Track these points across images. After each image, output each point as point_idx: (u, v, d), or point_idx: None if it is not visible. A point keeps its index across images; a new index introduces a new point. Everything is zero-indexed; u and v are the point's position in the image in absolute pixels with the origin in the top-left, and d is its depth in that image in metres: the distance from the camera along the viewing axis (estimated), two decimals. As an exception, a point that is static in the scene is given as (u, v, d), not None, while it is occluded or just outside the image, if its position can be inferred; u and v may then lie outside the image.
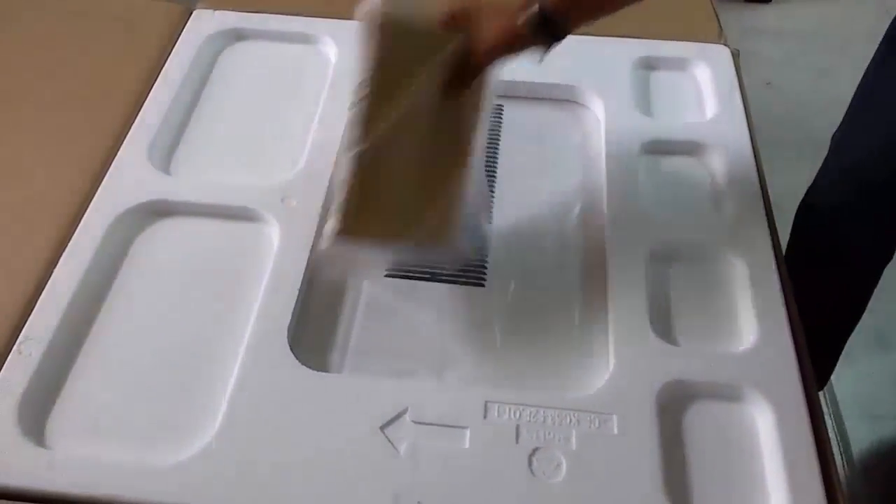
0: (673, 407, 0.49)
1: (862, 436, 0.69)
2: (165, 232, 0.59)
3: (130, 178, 0.61)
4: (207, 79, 0.72)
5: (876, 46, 0.72)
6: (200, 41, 0.74)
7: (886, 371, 0.66)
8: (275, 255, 0.57)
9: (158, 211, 0.60)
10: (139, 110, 0.67)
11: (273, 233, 0.58)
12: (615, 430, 0.47)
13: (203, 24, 0.76)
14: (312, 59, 0.75)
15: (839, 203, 0.76)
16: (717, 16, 0.78)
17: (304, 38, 0.76)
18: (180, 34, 0.75)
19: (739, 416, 0.48)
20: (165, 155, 0.65)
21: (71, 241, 0.56)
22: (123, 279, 0.56)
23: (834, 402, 1.06)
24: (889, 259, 0.71)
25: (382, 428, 0.46)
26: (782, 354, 0.50)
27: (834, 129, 0.78)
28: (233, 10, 0.78)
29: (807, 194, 0.80)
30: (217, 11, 0.77)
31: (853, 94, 0.75)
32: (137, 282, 0.56)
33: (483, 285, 0.57)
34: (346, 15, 0.78)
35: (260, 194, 0.60)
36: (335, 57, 0.74)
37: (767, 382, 0.49)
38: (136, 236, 0.59)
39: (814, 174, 0.77)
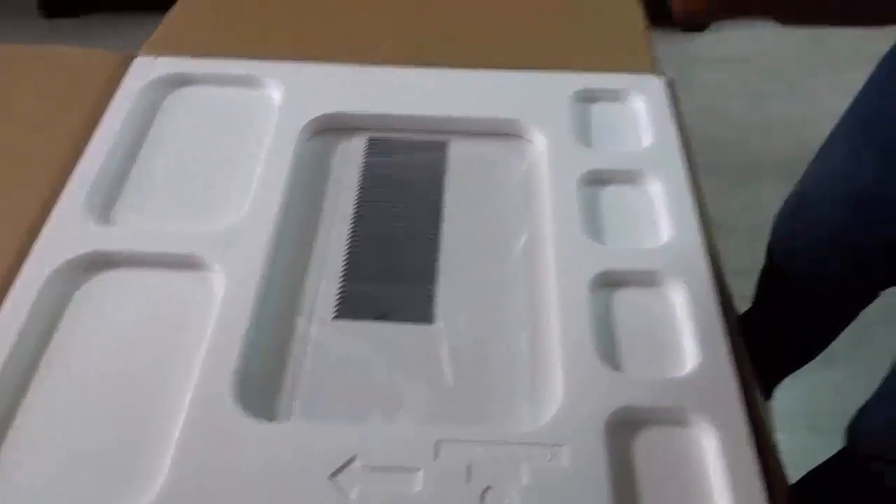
0: (621, 434, 0.49)
1: (803, 448, 0.71)
2: (106, 284, 0.58)
3: (68, 230, 0.60)
4: (149, 125, 0.72)
5: (807, 71, 0.74)
6: (142, 88, 0.74)
7: (827, 386, 0.69)
8: (220, 302, 0.56)
9: (98, 263, 0.59)
10: (78, 161, 0.66)
11: (218, 280, 0.58)
12: (566, 462, 0.47)
13: (144, 70, 0.76)
14: (257, 101, 0.75)
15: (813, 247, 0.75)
16: (650, 48, 0.81)
17: (249, 81, 0.77)
18: (121, 82, 0.75)
19: (685, 440, 0.49)
20: (105, 205, 0.64)
21: (5, 300, 0.55)
22: (62, 337, 0.54)
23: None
24: (866, 299, 0.71)
25: (332, 476, 0.46)
26: (723, 377, 0.51)
27: (769, 152, 0.80)
28: (175, 56, 0.78)
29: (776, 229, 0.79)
30: (158, 58, 0.77)
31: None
32: (77, 338, 0.55)
33: (432, 322, 0.58)
34: (291, 56, 0.79)
35: (204, 241, 0.60)
36: (280, 99, 0.74)
37: (710, 405, 0.50)
38: (75, 291, 0.57)
39: (754, 194, 0.79)
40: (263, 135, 0.70)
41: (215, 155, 0.69)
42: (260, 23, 0.86)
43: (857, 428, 0.66)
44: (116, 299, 0.57)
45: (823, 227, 0.72)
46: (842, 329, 0.83)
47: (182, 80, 0.77)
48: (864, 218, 0.66)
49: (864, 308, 0.76)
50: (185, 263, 0.59)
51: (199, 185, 0.67)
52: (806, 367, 0.91)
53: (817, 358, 0.87)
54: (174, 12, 0.87)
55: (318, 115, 0.72)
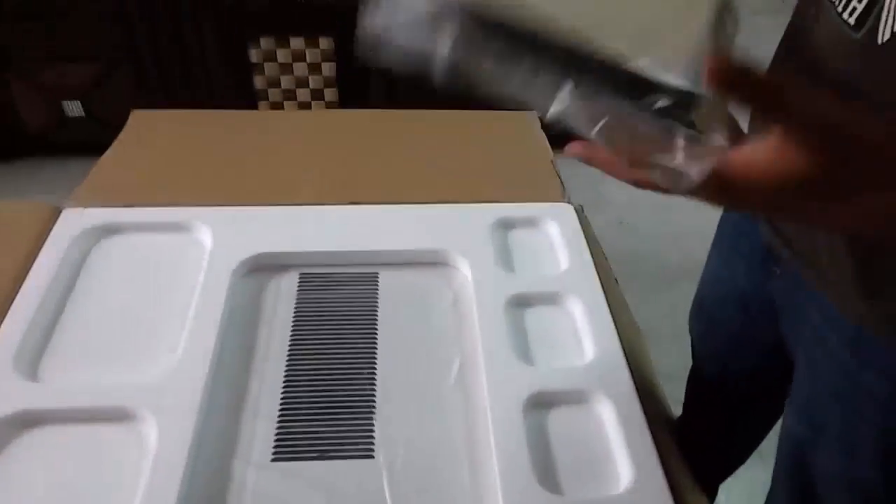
0: (565, 558, 0.50)
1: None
2: (33, 444, 0.56)
3: (-7, 390, 0.59)
4: (78, 276, 0.72)
5: None
6: (70, 239, 0.74)
7: (766, 481, 0.72)
8: (153, 455, 0.55)
9: (25, 422, 0.57)
10: (5, 315, 0.65)
11: (151, 431, 0.57)
12: (513, 593, 0.47)
13: (72, 222, 0.77)
14: (187, 246, 0.76)
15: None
16: (559, 176, 0.88)
17: (178, 227, 0.78)
18: (48, 234, 0.75)
19: (627, 559, 0.50)
20: (32, 361, 0.63)
21: (-76, 469, 0.52)
22: (-15, 504, 0.52)
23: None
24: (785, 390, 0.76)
25: None
26: (657, 493, 0.53)
27: (682, 259, 0.86)
28: (103, 206, 0.79)
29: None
30: (86, 209, 0.79)
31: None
32: (4, 501, 0.52)
33: (372, 457, 0.58)
34: (220, 201, 0.82)
35: (135, 391, 0.59)
36: (210, 242, 0.76)
37: (647, 521, 0.51)
38: (2, 451, 0.55)
39: (674, 298, 0.84)
40: (195, 278, 0.71)
41: (146, 302, 0.70)
42: (186, 170, 0.89)
43: None
44: (46, 458, 0.55)
45: (721, 328, 0.78)
46: (771, 423, 0.87)
47: (111, 230, 0.78)
48: (751, 315, 0.72)
49: (786, 398, 0.80)
50: (116, 416, 0.58)
51: (129, 334, 0.66)
52: (746, 464, 0.94)
53: (757, 454, 0.90)
54: (100, 162, 0.89)
55: (248, 255, 0.74)
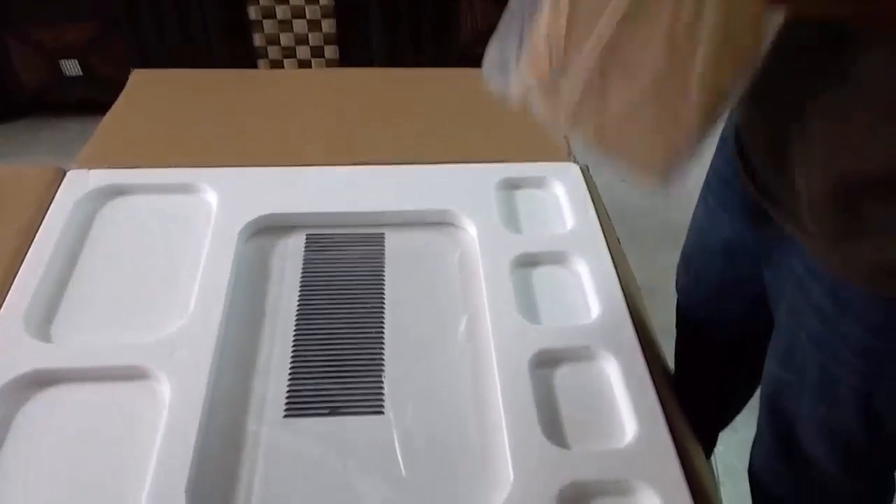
0: (572, 509, 0.52)
1: (744, 495, 0.75)
2: (49, 402, 0.57)
3: (8, 349, 0.60)
4: (85, 237, 0.72)
5: (707, 141, 0.81)
6: (76, 201, 0.75)
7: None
8: (167, 412, 0.56)
9: (40, 381, 0.58)
10: (14, 278, 0.66)
11: (164, 389, 0.58)
12: (521, 542, 0.49)
13: (78, 183, 0.77)
14: (193, 207, 0.77)
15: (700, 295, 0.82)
16: (565, 136, 0.87)
17: (183, 189, 0.78)
18: (54, 196, 0.75)
19: (632, 510, 0.52)
20: (44, 321, 0.63)
21: (-56, 427, 0.54)
22: (6, 458, 0.53)
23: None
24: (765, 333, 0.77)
25: (293, 580, 0.46)
26: (661, 444, 0.55)
27: (684, 216, 0.87)
28: (108, 168, 0.79)
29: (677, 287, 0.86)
30: (91, 171, 0.78)
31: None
32: (22, 458, 0.53)
33: (382, 412, 0.59)
34: (224, 162, 0.82)
35: (147, 351, 0.60)
36: (216, 204, 0.76)
37: (652, 474, 0.53)
38: (17, 411, 0.56)
39: (674, 256, 0.85)
40: (202, 240, 0.72)
41: (154, 263, 0.70)
42: (189, 131, 0.88)
43: (751, 470, 0.71)
44: (61, 416, 0.56)
45: (708, 279, 0.79)
46: (761, 373, 0.89)
47: (116, 191, 0.78)
48: (736, 265, 0.73)
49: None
50: (129, 375, 0.59)
51: (139, 295, 0.67)
52: (743, 417, 0.95)
53: (754, 409, 0.92)
54: (104, 124, 0.89)
55: (255, 216, 0.74)
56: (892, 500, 0.66)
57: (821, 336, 0.56)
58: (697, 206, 0.77)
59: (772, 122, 0.55)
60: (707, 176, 0.75)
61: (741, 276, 0.72)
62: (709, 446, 1.00)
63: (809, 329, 0.57)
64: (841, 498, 0.64)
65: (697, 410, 0.62)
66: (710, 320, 0.82)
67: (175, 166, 0.80)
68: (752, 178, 0.60)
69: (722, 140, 0.71)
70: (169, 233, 0.73)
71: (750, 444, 0.75)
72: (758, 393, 0.89)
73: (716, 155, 0.71)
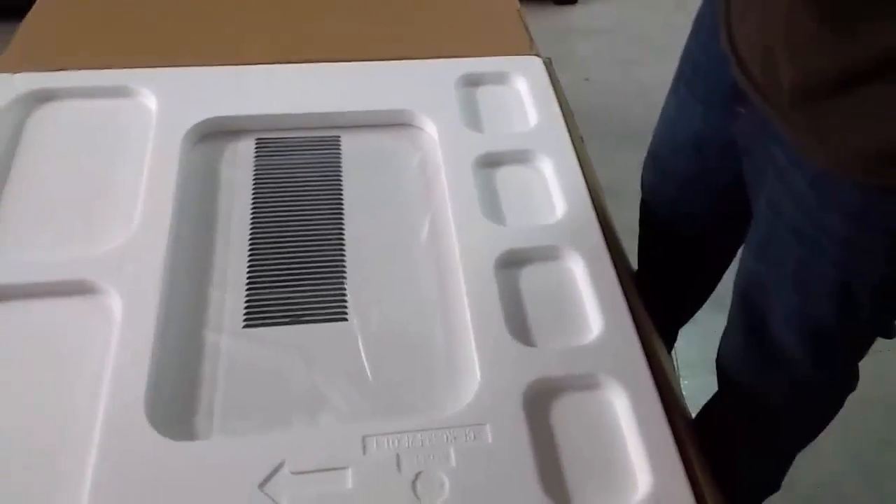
0: (539, 405, 0.52)
1: (705, 389, 0.77)
2: (-8, 322, 0.54)
3: (-61, 269, 0.56)
4: (15, 148, 0.67)
5: (673, 34, 0.77)
6: (1, 108, 0.69)
7: (723, 326, 0.75)
8: (120, 325, 0.54)
9: (-19, 300, 0.55)
10: (-61, 193, 0.61)
11: (115, 303, 0.55)
12: (490, 439, 0.49)
13: (2, 89, 0.71)
14: (131, 112, 0.71)
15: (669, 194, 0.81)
16: (527, 28, 0.83)
17: (119, 92, 0.73)
18: (-24, 103, 0.69)
19: (598, 403, 0.52)
20: (-22, 237, 0.59)
21: None
22: (-52, 382, 0.51)
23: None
24: (736, 235, 0.77)
25: (261, 486, 0.46)
26: (627, 339, 0.55)
27: (647, 115, 0.85)
28: (34, 72, 0.73)
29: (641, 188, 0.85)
30: (17, 74, 0.72)
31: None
32: (-35, 382, 0.51)
33: (346, 319, 0.58)
34: (161, 62, 0.76)
35: (93, 264, 0.57)
36: (156, 107, 0.71)
37: (617, 368, 0.53)
38: (-43, 332, 0.53)
39: (636, 157, 0.83)
40: (143, 146, 0.67)
41: (93, 173, 0.66)
42: (121, 28, 0.81)
43: (718, 360, 0.73)
44: (8, 334, 0.54)
45: (675, 174, 0.78)
46: (724, 268, 0.90)
47: (46, 96, 0.72)
48: (705, 159, 0.72)
49: (739, 244, 0.83)
50: (77, 290, 0.56)
51: (78, 207, 0.63)
52: (703, 312, 0.98)
53: (713, 303, 0.94)
54: (26, 23, 0.81)
55: (199, 120, 0.70)
56: (854, 389, 0.68)
57: (800, 226, 0.56)
58: (668, 98, 0.75)
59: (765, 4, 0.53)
60: (679, 66, 0.72)
61: (708, 168, 0.71)
62: (670, 341, 1.02)
63: (789, 219, 0.57)
64: (807, 386, 0.65)
65: (659, 307, 0.62)
66: (675, 215, 0.81)
67: (109, 67, 0.74)
68: (739, 65, 0.58)
69: (697, 28, 0.68)
70: (106, 140, 0.69)
71: (709, 337, 0.76)
72: (718, 289, 0.91)
73: (690, 44, 0.69)
